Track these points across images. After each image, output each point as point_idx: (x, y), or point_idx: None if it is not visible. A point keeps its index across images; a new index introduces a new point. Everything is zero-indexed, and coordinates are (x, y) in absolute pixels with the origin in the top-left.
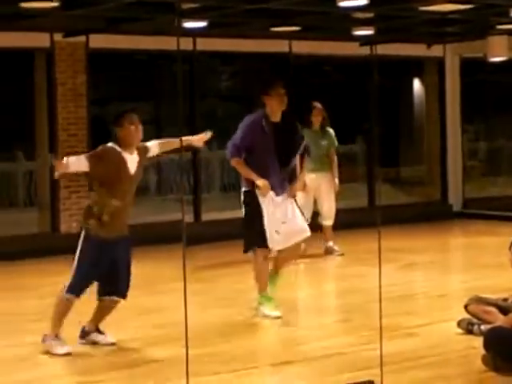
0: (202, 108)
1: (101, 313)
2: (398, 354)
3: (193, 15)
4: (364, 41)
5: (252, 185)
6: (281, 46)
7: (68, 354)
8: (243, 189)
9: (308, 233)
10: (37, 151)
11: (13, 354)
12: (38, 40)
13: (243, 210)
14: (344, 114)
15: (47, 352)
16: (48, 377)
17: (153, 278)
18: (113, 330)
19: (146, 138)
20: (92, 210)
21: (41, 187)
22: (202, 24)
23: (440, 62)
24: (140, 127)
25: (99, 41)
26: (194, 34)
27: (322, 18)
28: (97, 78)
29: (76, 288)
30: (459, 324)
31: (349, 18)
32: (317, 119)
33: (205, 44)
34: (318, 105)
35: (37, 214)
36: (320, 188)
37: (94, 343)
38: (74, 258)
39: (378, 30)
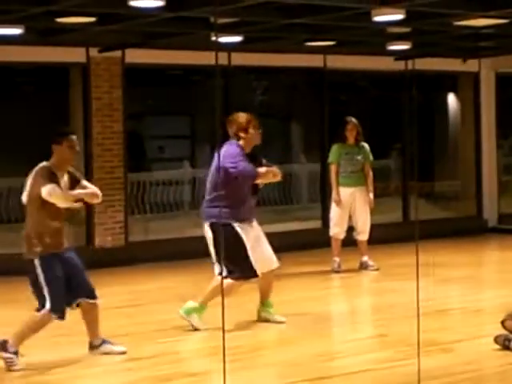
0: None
1: (88, 322)
2: (434, 369)
3: (228, 30)
4: (399, 55)
5: (231, 217)
6: (315, 61)
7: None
8: (223, 221)
9: (277, 264)
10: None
11: (49, 369)
12: (74, 55)
13: (224, 240)
14: (378, 128)
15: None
16: None
17: (189, 291)
18: (149, 343)
19: (184, 152)
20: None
21: None
22: (237, 39)
23: (475, 77)
24: (77, 151)
25: (135, 55)
26: (229, 48)
27: (357, 32)
28: (132, 93)
29: (58, 307)
30: (496, 340)
31: (384, 32)
32: (351, 134)
33: (240, 59)
34: (352, 120)
35: (71, 227)
36: (355, 202)
37: (106, 353)
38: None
39: (413, 44)
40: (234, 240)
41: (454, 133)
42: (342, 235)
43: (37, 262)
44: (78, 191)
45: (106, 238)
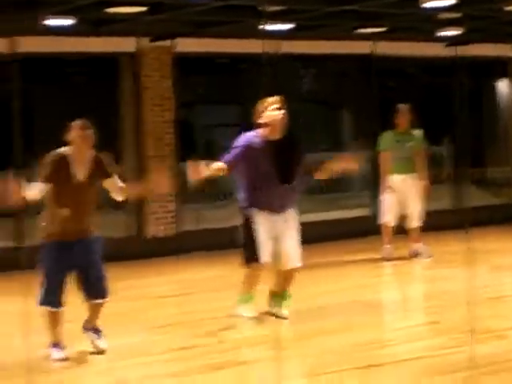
0: (287, 111)
1: (91, 313)
2: (488, 356)
3: (277, 18)
4: (449, 41)
5: (246, 203)
6: (364, 48)
7: (65, 359)
8: (240, 205)
9: (298, 264)
10: (124, 155)
11: (99, 357)
12: (125, 45)
13: (242, 225)
14: (429, 115)
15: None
16: (136, 379)
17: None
18: (200, 332)
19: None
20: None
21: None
22: (285, 27)
23: None
24: (90, 135)
25: (185, 44)
26: (277, 36)
27: (407, 18)
28: (182, 82)
29: (48, 298)
30: None
31: (433, 18)
32: (402, 121)
33: (288, 46)
34: (403, 107)
35: (123, 217)
36: (407, 190)
37: (90, 342)
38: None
39: (463, 30)
40: (246, 225)
41: (505, 119)
42: (393, 223)
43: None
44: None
45: (157, 227)
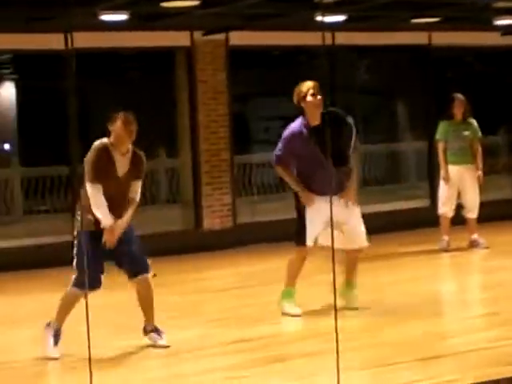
0: (341, 102)
1: (142, 304)
2: None
3: (333, 9)
4: (505, 30)
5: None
6: (420, 38)
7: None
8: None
9: (364, 244)
10: (179, 149)
11: (157, 351)
12: (179, 39)
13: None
14: (486, 105)
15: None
16: (195, 372)
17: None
18: (259, 324)
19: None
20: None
21: (183, 184)
22: (341, 18)
23: None
24: (133, 129)
25: (238, 38)
26: (333, 28)
27: (463, 8)
28: (236, 75)
29: (80, 282)
30: None
31: (490, 7)
32: (459, 111)
33: (343, 38)
34: (459, 96)
35: (179, 210)
36: (464, 180)
37: (153, 343)
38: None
39: None
40: (298, 210)
41: None
42: (450, 214)
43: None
44: (107, 220)
45: (214, 220)
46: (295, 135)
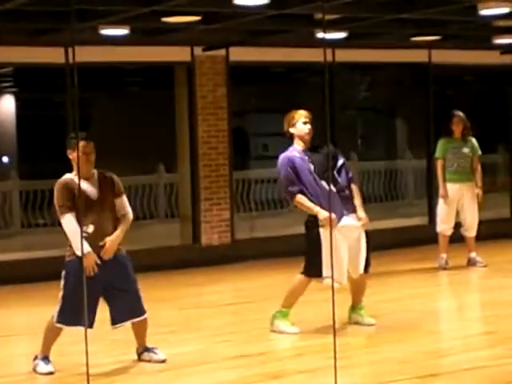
0: (341, 119)
1: (135, 331)
2: None
3: (333, 26)
4: (505, 49)
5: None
6: (420, 56)
7: (50, 373)
8: (307, 218)
9: (359, 272)
10: (178, 164)
11: (155, 366)
12: (179, 54)
13: (306, 237)
14: (485, 123)
15: (34, 370)
16: None
17: None
18: (257, 340)
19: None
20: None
21: (182, 199)
22: (341, 35)
23: None
24: (91, 158)
25: (239, 54)
26: (333, 45)
27: (463, 26)
28: (236, 91)
29: (65, 316)
30: None
31: (490, 26)
32: (458, 128)
33: (343, 55)
34: (459, 113)
35: (178, 225)
36: (463, 198)
37: (148, 361)
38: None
39: None
40: (309, 237)
41: None
42: (449, 232)
43: (65, 263)
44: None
45: (212, 235)
46: (290, 160)
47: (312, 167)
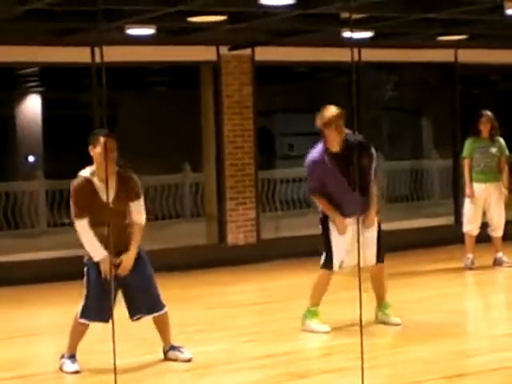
0: (367, 119)
1: (159, 328)
2: None
3: (359, 26)
4: None
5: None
6: (447, 55)
7: (77, 372)
8: (319, 216)
9: (370, 262)
10: (203, 163)
11: (181, 365)
12: (205, 53)
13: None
14: (511, 122)
15: (60, 369)
16: None
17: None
18: (283, 340)
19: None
20: None
21: (208, 199)
22: (367, 34)
23: None
24: (114, 155)
25: (264, 53)
26: (359, 44)
27: (489, 26)
28: (262, 90)
29: (89, 312)
30: None
31: None
32: (485, 128)
33: (369, 54)
34: (487, 113)
35: (204, 224)
36: (489, 198)
37: (174, 360)
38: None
39: None
40: (323, 233)
41: None
42: (475, 231)
43: (85, 262)
44: (99, 254)
45: (238, 235)
46: (316, 163)
47: (337, 167)
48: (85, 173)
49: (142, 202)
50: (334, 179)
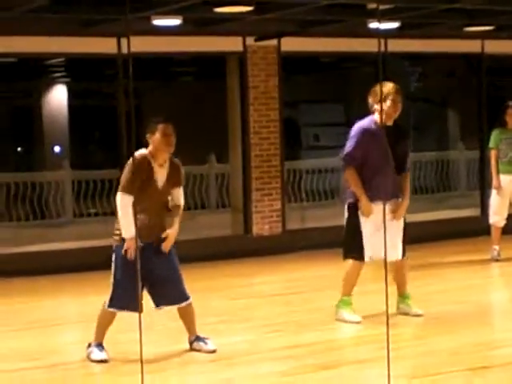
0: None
1: (184, 320)
2: None
3: (386, 16)
4: None
5: (356, 198)
6: (473, 46)
7: (104, 361)
8: (348, 200)
9: (397, 257)
10: (229, 154)
11: (207, 356)
12: (231, 44)
13: (345, 220)
14: None
15: (87, 357)
16: (245, 377)
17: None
18: (308, 330)
19: (339, 140)
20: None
21: (233, 190)
22: (393, 25)
23: None
24: (172, 141)
25: (290, 44)
26: (386, 35)
27: None
28: (287, 81)
29: (117, 301)
30: None
31: None
32: (511, 119)
33: (395, 45)
34: None
35: (229, 215)
36: None
37: (198, 350)
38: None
39: None
40: (350, 220)
41: None
42: (501, 223)
43: (114, 249)
44: (130, 232)
45: (263, 226)
46: (366, 130)
47: (387, 138)
48: (145, 152)
49: (182, 187)
50: (377, 152)
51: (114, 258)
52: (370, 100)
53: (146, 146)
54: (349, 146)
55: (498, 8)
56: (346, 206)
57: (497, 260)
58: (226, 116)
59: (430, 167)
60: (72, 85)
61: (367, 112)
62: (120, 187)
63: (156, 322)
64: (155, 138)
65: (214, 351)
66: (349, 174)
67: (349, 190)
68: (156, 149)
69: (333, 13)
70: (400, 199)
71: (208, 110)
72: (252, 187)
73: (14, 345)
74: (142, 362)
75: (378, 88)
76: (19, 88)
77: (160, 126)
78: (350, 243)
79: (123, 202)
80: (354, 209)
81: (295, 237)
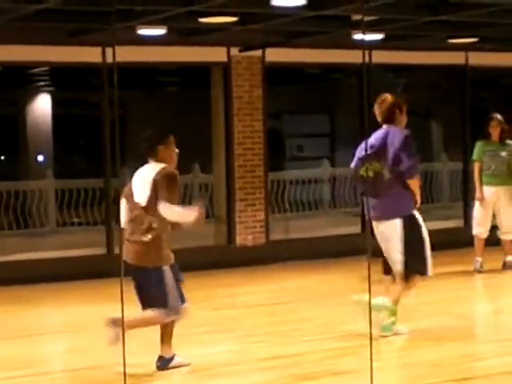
0: (376, 121)
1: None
2: None
3: (370, 28)
4: None
5: (412, 208)
6: (457, 58)
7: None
8: (404, 213)
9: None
10: (213, 164)
11: (192, 366)
12: (216, 54)
13: (402, 234)
14: None
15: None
16: None
17: (331, 290)
18: (291, 341)
19: (323, 151)
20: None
21: (217, 200)
22: (378, 36)
23: None
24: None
25: (275, 54)
26: (369, 46)
27: (500, 29)
28: (272, 92)
29: (174, 309)
30: None
31: None
32: (495, 131)
33: (379, 56)
34: (497, 116)
35: (213, 225)
36: (499, 201)
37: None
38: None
39: None
40: (414, 229)
41: None
42: (484, 234)
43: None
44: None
45: (247, 236)
46: (407, 136)
47: None
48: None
49: None
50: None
51: (162, 275)
52: (380, 111)
53: (151, 155)
54: (408, 156)
55: (481, 20)
56: (397, 221)
57: (480, 271)
58: (210, 126)
59: None
60: (56, 94)
61: (351, 123)
62: (166, 198)
63: (137, 333)
64: (169, 149)
65: (188, 365)
66: (415, 184)
67: (402, 203)
68: (169, 160)
69: (317, 24)
70: None
71: (192, 120)
72: (236, 197)
73: (0, 354)
74: (125, 374)
75: (386, 98)
76: (3, 97)
77: (172, 138)
78: (412, 258)
79: (175, 210)
80: (412, 221)
81: (279, 247)
